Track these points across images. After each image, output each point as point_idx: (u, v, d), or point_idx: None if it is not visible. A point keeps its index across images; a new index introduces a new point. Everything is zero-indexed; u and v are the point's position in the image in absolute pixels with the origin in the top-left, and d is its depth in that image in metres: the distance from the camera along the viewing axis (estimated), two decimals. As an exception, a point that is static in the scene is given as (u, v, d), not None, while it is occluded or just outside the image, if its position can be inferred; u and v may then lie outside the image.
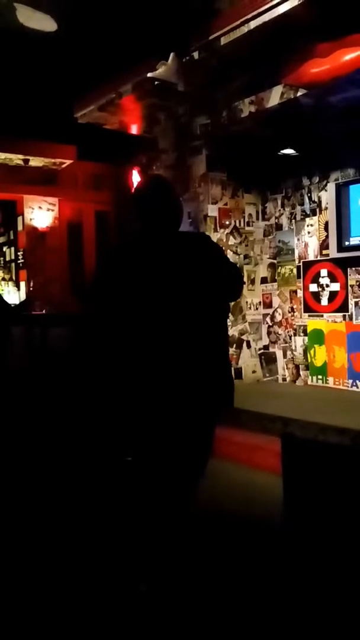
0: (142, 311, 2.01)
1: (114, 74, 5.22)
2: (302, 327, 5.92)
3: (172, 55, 4.62)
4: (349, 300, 5.45)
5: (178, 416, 2.01)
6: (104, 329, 2.12)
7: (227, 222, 5.90)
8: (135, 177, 6.81)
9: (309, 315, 5.85)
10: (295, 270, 6.01)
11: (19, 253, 8.80)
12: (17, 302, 8.00)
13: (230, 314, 5.91)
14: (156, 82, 4.79)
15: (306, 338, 5.85)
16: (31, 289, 7.74)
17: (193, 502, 2.13)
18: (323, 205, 5.70)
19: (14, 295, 8.61)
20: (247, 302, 6.12)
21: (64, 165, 8.55)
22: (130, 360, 2.02)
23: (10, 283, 8.75)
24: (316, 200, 5.78)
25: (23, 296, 8.49)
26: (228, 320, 5.83)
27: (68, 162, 8.44)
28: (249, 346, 6.12)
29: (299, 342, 5.93)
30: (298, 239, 5.97)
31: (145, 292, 2.01)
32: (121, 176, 7.95)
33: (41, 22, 4.47)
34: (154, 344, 1.99)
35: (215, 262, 2.13)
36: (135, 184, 2.41)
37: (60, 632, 2.18)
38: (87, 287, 3.69)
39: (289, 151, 5.64)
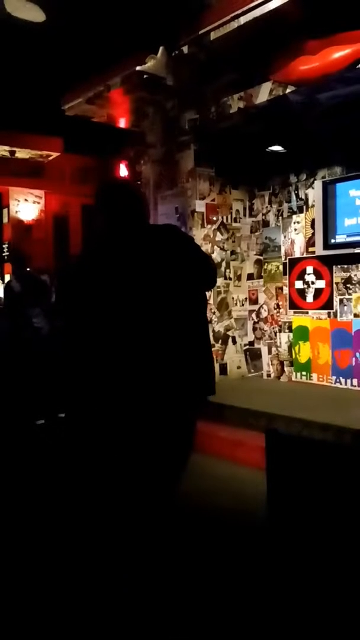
0: (116, 310, 1.98)
1: (102, 67, 5.19)
2: (287, 324, 5.96)
3: (161, 49, 4.60)
4: (334, 297, 5.49)
5: (158, 412, 2.00)
6: (77, 332, 2.10)
7: (215, 218, 5.90)
8: (123, 171, 6.77)
9: (294, 312, 5.88)
10: (281, 267, 6.04)
11: (3, 246, 8.73)
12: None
13: (216, 310, 5.93)
14: (145, 76, 4.76)
15: (291, 334, 5.88)
16: None
17: (176, 495, 2.13)
18: (310, 203, 5.72)
19: (-2, 288, 8.52)
20: (233, 298, 6.14)
21: (50, 158, 8.49)
22: (107, 359, 1.99)
23: (-6, 276, 8.67)
24: (303, 197, 5.81)
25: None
26: (214, 315, 5.88)
27: (55, 154, 8.38)
28: (234, 342, 6.14)
29: (284, 338, 5.96)
30: (284, 236, 6.00)
31: (117, 290, 1.99)
32: (108, 170, 7.91)
33: (30, 12, 4.42)
34: (130, 341, 1.97)
35: (186, 252, 2.12)
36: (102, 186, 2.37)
37: (40, 616, 2.18)
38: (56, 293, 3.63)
39: (276, 148, 5.65)
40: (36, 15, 4.47)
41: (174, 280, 2.03)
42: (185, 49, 4.60)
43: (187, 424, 2.12)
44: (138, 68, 4.71)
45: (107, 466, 2.07)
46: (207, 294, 5.64)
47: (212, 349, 5.81)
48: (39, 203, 8.76)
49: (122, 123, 6.20)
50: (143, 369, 1.96)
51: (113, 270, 2.00)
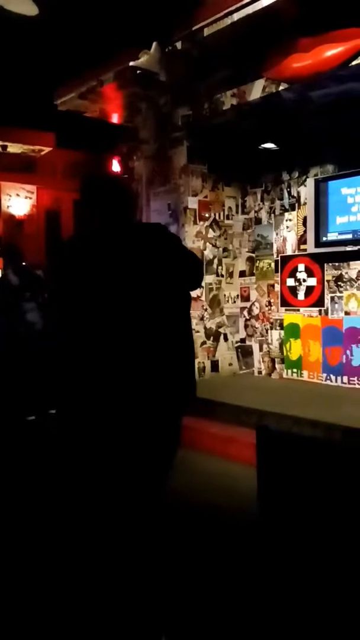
0: (103, 309, 1.97)
1: (95, 62, 5.16)
2: (278, 321, 5.97)
3: (154, 44, 4.58)
4: (325, 295, 5.52)
5: (141, 416, 1.99)
6: (68, 329, 2.08)
7: (207, 215, 5.90)
8: (115, 167, 6.75)
9: (286, 309, 5.90)
10: (273, 265, 6.05)
11: (-5, 240, 8.66)
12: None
13: (208, 307, 5.94)
14: (138, 71, 4.74)
15: (282, 332, 5.90)
16: None
17: (162, 495, 2.13)
18: (302, 201, 5.74)
19: (-11, 284, 8.46)
20: (225, 295, 6.15)
21: (42, 153, 8.44)
22: (93, 358, 1.97)
23: (-15, 271, 8.61)
24: (295, 195, 5.82)
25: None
26: (206, 312, 5.89)
27: (47, 149, 8.34)
28: (226, 339, 6.15)
29: (275, 335, 5.98)
30: (277, 234, 6.01)
31: (105, 288, 1.97)
32: (101, 165, 7.88)
33: (22, 5, 4.38)
34: (116, 342, 1.95)
35: (173, 250, 2.11)
36: (83, 182, 2.32)
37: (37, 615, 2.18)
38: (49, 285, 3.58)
39: (269, 145, 5.66)
40: (29, 8, 4.43)
41: (160, 279, 2.02)
42: (178, 45, 4.58)
43: (170, 423, 2.10)
44: (131, 63, 4.69)
45: (95, 464, 2.06)
46: (198, 290, 5.65)
47: (204, 346, 5.88)
48: (30, 198, 8.72)
49: (115, 118, 6.18)
50: (127, 370, 1.95)
51: (102, 268, 1.99)
